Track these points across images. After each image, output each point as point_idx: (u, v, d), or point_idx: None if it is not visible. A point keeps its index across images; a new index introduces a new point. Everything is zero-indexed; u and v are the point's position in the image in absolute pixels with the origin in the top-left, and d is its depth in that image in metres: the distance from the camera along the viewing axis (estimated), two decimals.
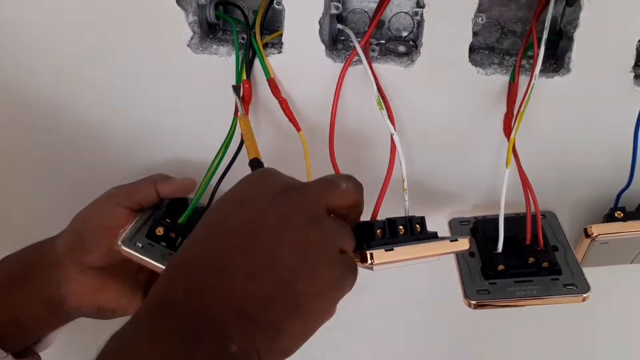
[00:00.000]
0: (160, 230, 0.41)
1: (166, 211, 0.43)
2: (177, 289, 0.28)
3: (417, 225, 0.39)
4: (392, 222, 0.38)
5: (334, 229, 0.31)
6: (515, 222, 0.41)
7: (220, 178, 0.43)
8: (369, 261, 0.34)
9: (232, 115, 0.43)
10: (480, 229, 0.43)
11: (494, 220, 0.43)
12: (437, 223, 0.43)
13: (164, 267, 0.39)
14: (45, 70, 0.47)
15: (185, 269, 0.29)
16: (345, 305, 0.59)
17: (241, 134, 0.42)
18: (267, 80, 0.43)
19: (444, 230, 0.46)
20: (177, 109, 0.47)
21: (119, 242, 0.39)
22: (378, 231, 0.37)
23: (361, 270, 0.56)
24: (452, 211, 0.47)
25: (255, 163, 0.39)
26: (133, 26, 0.43)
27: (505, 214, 0.41)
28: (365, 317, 0.62)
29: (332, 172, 0.42)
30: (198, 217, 0.41)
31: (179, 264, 0.30)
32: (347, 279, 0.30)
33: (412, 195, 0.41)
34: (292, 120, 0.43)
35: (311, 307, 0.29)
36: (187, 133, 0.48)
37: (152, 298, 0.28)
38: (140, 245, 0.40)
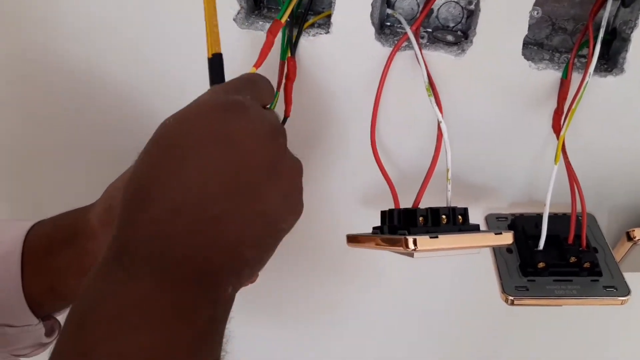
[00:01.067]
0: None
1: None
2: (167, 235, 0.26)
3: (460, 216, 0.38)
4: (435, 211, 0.37)
5: (300, 165, 0.32)
6: (555, 221, 0.41)
7: None
8: (412, 247, 0.34)
9: (275, 91, 0.42)
10: (519, 226, 0.42)
11: (534, 217, 0.43)
12: (471, 218, 0.42)
13: None
14: (83, 37, 0.46)
15: (174, 215, 0.26)
16: (364, 296, 0.59)
17: (205, 18, 0.35)
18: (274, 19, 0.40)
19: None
20: None
21: None
22: (420, 218, 0.37)
23: (378, 261, 0.55)
24: (488, 207, 0.46)
25: (218, 61, 0.34)
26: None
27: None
28: (381, 308, 0.61)
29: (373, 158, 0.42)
30: None
31: (167, 209, 0.26)
32: (299, 206, 0.32)
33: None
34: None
35: (281, 239, 0.31)
36: None
37: (135, 243, 0.26)
38: None
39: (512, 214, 0.45)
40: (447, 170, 0.39)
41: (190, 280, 0.26)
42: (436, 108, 0.40)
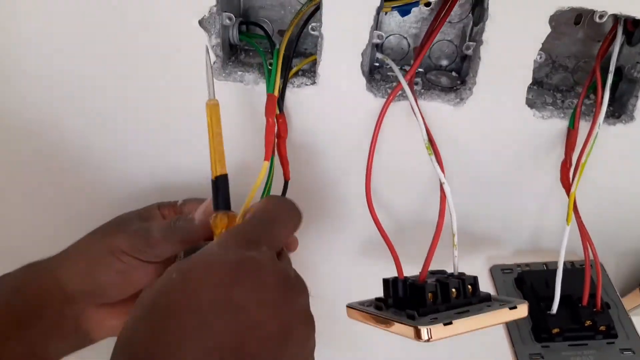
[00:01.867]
0: None
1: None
2: None
3: (470, 286, 0.35)
4: (444, 285, 0.34)
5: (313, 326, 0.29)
6: (566, 275, 0.38)
7: None
8: (426, 337, 0.31)
9: (265, 160, 0.38)
10: (527, 282, 0.40)
11: (542, 272, 0.41)
12: (475, 266, 0.40)
13: None
14: (52, 97, 0.41)
15: None
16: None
17: (209, 131, 0.33)
18: (267, 94, 0.37)
19: (482, 275, 0.43)
20: (193, 140, 0.42)
21: None
22: (429, 295, 0.34)
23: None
24: (491, 255, 0.44)
25: (223, 183, 0.33)
26: (149, 50, 0.38)
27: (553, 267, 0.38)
28: None
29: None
30: None
31: None
32: None
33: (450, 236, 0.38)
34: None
35: None
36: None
37: None
38: None
39: (518, 265, 0.42)
40: (454, 235, 0.36)
41: None
42: (438, 168, 0.36)
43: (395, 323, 0.33)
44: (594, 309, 0.37)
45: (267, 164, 0.37)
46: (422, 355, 0.55)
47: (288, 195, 0.40)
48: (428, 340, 0.31)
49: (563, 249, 0.36)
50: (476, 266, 0.43)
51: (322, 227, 0.45)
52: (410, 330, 0.31)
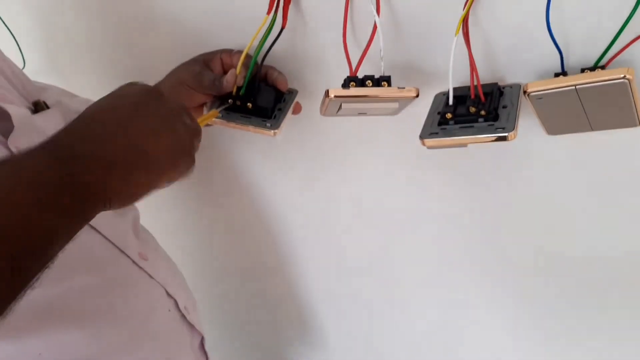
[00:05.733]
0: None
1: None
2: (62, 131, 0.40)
3: (385, 83, 0.52)
4: (362, 78, 0.52)
5: (188, 125, 0.47)
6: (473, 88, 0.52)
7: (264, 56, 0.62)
8: (332, 95, 0.50)
9: (267, 14, 0.60)
10: (447, 94, 0.54)
11: (464, 88, 0.55)
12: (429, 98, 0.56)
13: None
14: None
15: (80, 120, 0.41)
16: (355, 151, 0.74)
17: None
18: None
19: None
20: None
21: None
22: (352, 84, 0.52)
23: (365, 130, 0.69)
24: (443, 89, 0.59)
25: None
26: None
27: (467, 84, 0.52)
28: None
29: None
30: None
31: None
32: (182, 160, 0.45)
33: (405, 77, 0.55)
34: None
35: (155, 184, 0.42)
36: (238, 28, 0.66)
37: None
38: (220, 115, 0.61)
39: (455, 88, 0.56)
40: (380, 50, 0.54)
41: (50, 153, 0.37)
42: (374, 10, 0.54)
43: (324, 95, 0.52)
44: (480, 101, 0.50)
45: (267, 17, 0.59)
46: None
47: (281, 40, 0.61)
48: (334, 98, 0.50)
49: (452, 53, 0.50)
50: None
51: (315, 60, 0.65)
52: (325, 94, 0.51)
